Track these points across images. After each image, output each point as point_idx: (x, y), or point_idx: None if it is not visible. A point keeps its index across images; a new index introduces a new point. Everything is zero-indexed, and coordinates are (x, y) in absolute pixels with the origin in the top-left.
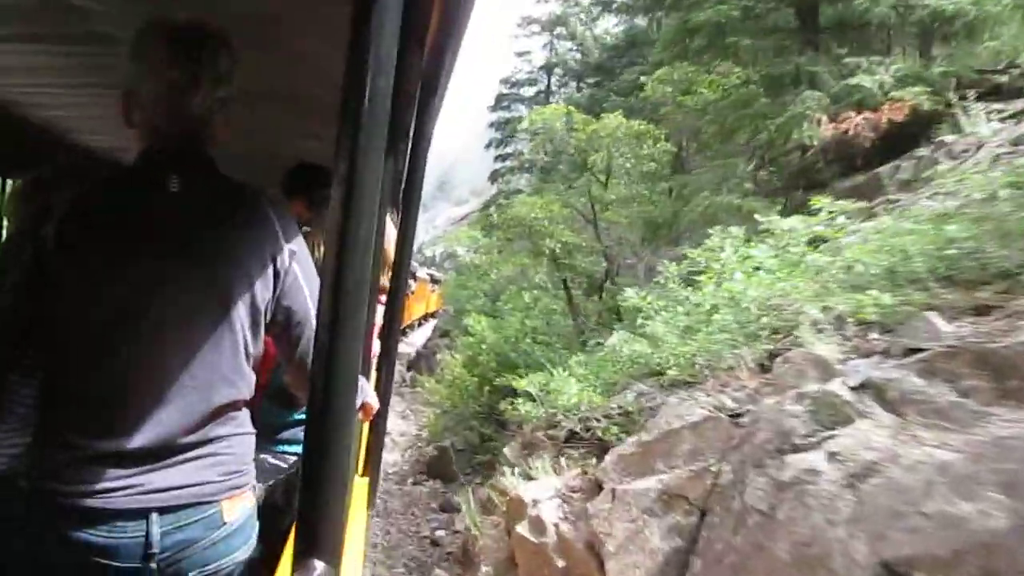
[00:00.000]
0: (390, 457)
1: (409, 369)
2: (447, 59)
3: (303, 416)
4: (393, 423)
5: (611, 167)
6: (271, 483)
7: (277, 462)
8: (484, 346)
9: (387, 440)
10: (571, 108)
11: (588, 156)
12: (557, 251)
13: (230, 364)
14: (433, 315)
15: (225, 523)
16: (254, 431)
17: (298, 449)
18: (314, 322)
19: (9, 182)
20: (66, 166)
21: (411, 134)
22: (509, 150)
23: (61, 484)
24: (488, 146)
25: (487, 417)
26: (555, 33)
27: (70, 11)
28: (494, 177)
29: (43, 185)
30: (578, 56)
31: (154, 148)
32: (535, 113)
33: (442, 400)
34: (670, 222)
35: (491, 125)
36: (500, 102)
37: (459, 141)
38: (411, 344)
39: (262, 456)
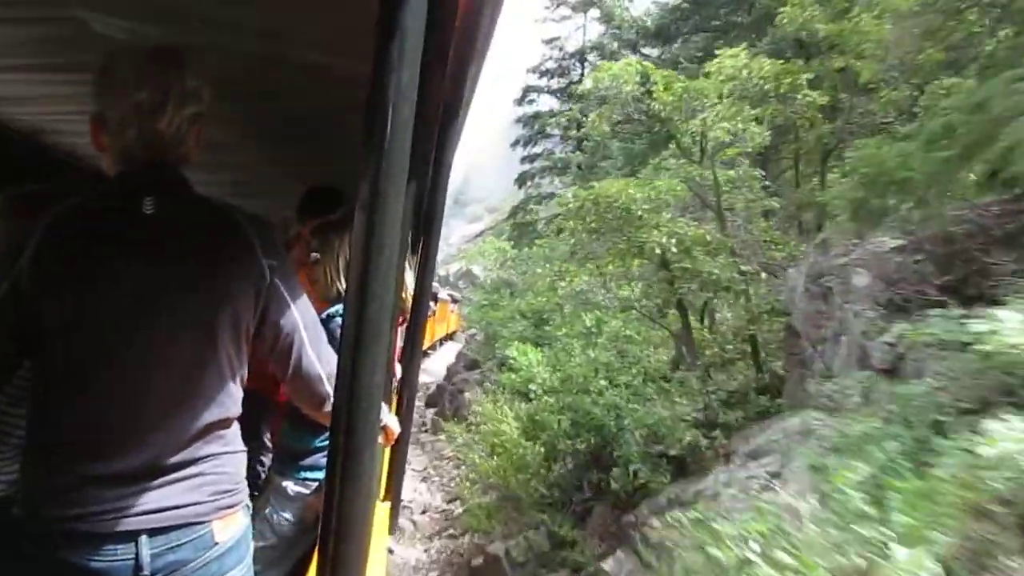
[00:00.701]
0: (409, 553)
1: (429, 406)
2: (468, 84)
3: (325, 442)
4: (410, 486)
5: (707, 140)
6: (296, 511)
7: (300, 489)
8: (548, 399)
9: (405, 520)
10: (647, 64)
11: (678, 124)
12: (670, 250)
13: (215, 384)
14: (452, 335)
15: (217, 543)
16: (244, 449)
17: (320, 475)
18: (304, 334)
19: None
20: (40, 189)
21: (432, 159)
22: (538, 150)
23: (51, 509)
24: (515, 144)
25: (562, 507)
26: (589, 15)
27: (103, 41)
28: (522, 180)
29: (19, 212)
30: (618, 31)
31: (127, 171)
32: (601, 70)
33: (488, 475)
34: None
35: (517, 121)
36: (526, 95)
37: (472, 156)
38: (431, 373)
39: (284, 483)
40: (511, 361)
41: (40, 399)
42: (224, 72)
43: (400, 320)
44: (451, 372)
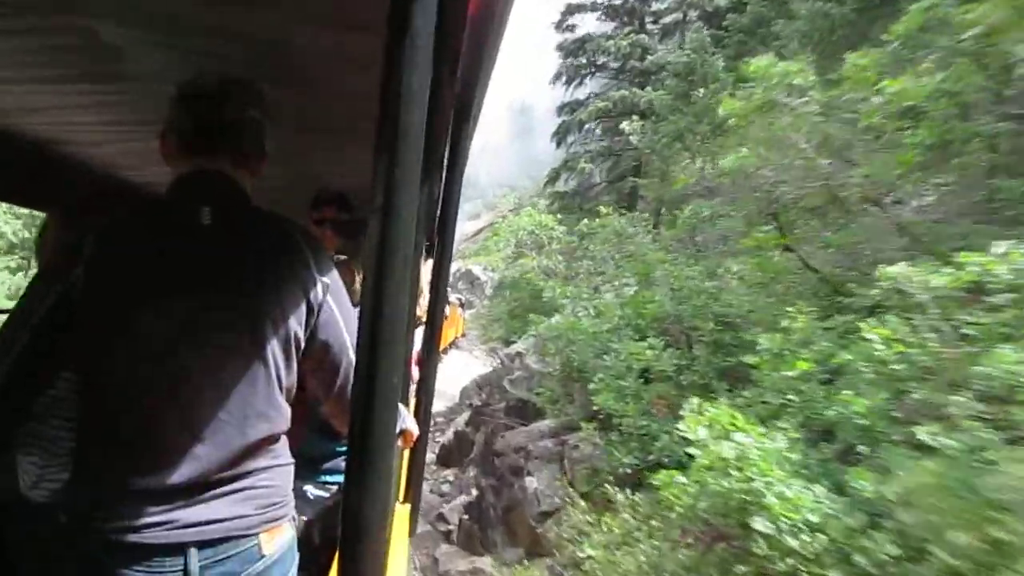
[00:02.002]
0: None
1: (441, 460)
2: (479, 87)
3: (345, 447)
4: None
5: None
6: (314, 514)
7: (320, 492)
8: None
9: None
10: None
11: None
12: None
13: (264, 398)
14: (455, 341)
15: (264, 556)
16: (292, 462)
17: (340, 479)
18: (352, 355)
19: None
20: (92, 197)
21: (445, 162)
22: (581, 96)
23: (100, 520)
24: (555, 79)
25: None
26: None
27: (114, 52)
28: (563, 133)
29: (71, 219)
30: None
31: (185, 178)
32: None
33: None
34: None
35: (558, 49)
36: (566, 19)
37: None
38: (445, 397)
39: (305, 487)
40: (660, 444)
41: (91, 411)
42: (236, 79)
43: (417, 322)
44: (478, 411)
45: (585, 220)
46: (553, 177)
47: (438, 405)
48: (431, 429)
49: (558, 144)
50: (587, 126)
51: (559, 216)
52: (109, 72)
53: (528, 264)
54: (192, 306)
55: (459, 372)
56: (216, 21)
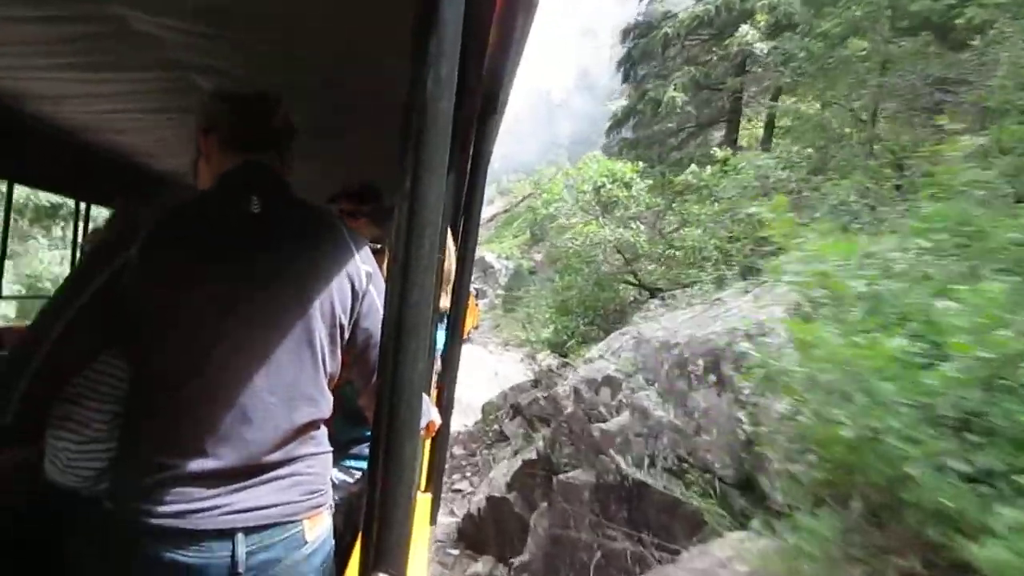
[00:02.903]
0: None
1: (463, 540)
2: (506, 79)
3: (368, 432)
4: None
5: None
6: (339, 499)
7: (344, 477)
8: None
9: None
10: None
11: None
12: None
13: (311, 383)
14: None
15: (307, 542)
16: (331, 450)
17: (364, 464)
18: None
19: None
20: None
21: (472, 152)
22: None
23: (148, 505)
24: None
25: None
26: None
27: (143, 39)
28: (632, 63)
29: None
30: None
31: (235, 171)
32: None
33: None
34: None
35: None
36: None
37: None
38: (460, 408)
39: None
40: None
41: (139, 394)
42: (264, 68)
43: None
44: (528, 471)
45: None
46: (618, 120)
47: (453, 422)
48: (447, 464)
49: (625, 77)
50: (669, 49)
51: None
52: (136, 61)
53: (595, 234)
54: (242, 292)
55: (473, 371)
56: (245, 10)
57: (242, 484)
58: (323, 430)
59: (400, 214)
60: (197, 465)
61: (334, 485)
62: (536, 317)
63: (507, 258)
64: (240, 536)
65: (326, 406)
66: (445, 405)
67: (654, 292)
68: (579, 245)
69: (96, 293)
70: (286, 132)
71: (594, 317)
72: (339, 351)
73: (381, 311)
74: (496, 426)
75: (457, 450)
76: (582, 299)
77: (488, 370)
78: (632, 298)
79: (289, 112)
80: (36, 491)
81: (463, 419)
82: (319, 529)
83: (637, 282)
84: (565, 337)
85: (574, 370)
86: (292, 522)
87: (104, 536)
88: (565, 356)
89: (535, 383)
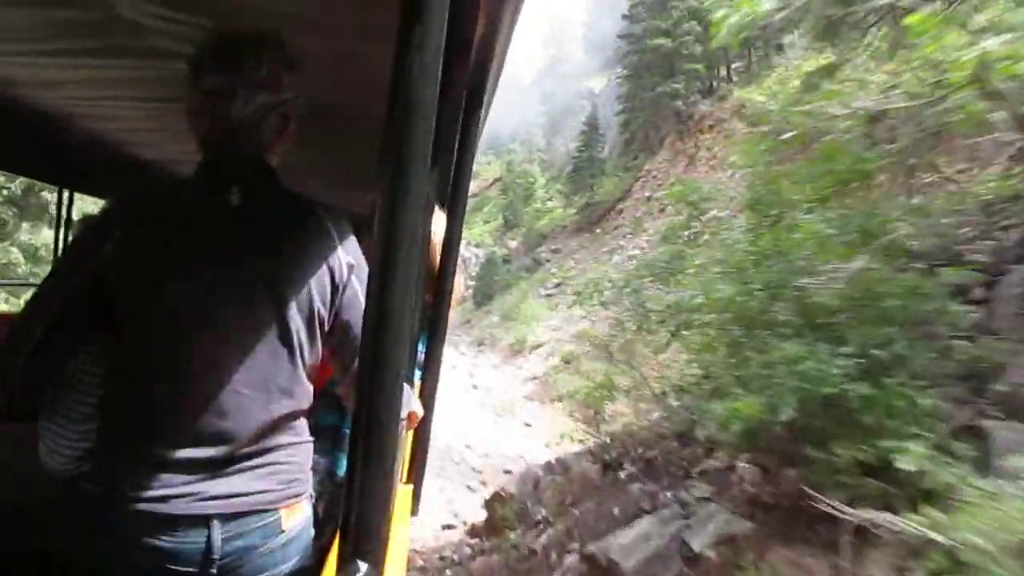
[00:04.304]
0: None
1: None
2: (492, 70)
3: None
4: None
5: None
6: (317, 483)
7: (324, 460)
8: None
9: None
10: None
11: None
12: None
13: (288, 375)
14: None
15: (283, 531)
16: (312, 439)
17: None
18: None
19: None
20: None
21: (456, 144)
22: None
23: (126, 489)
24: None
25: None
26: None
27: (129, 27)
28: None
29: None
30: None
31: (211, 159)
32: None
33: None
34: None
35: None
36: None
37: None
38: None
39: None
40: None
41: (119, 382)
42: None
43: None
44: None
45: None
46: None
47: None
48: None
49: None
50: None
51: None
52: (124, 49)
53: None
54: (219, 283)
55: (444, 376)
56: (233, 1)
57: (219, 472)
58: (303, 420)
59: (381, 205)
60: (174, 453)
61: (314, 469)
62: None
63: (478, 246)
64: (216, 523)
65: (304, 398)
66: (428, 396)
67: None
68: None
69: (77, 286)
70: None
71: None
72: (319, 343)
73: (363, 303)
74: (516, 538)
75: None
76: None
77: (461, 376)
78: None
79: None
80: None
81: (438, 474)
82: (297, 518)
83: None
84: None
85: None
86: (269, 510)
87: (81, 518)
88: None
89: (606, 468)
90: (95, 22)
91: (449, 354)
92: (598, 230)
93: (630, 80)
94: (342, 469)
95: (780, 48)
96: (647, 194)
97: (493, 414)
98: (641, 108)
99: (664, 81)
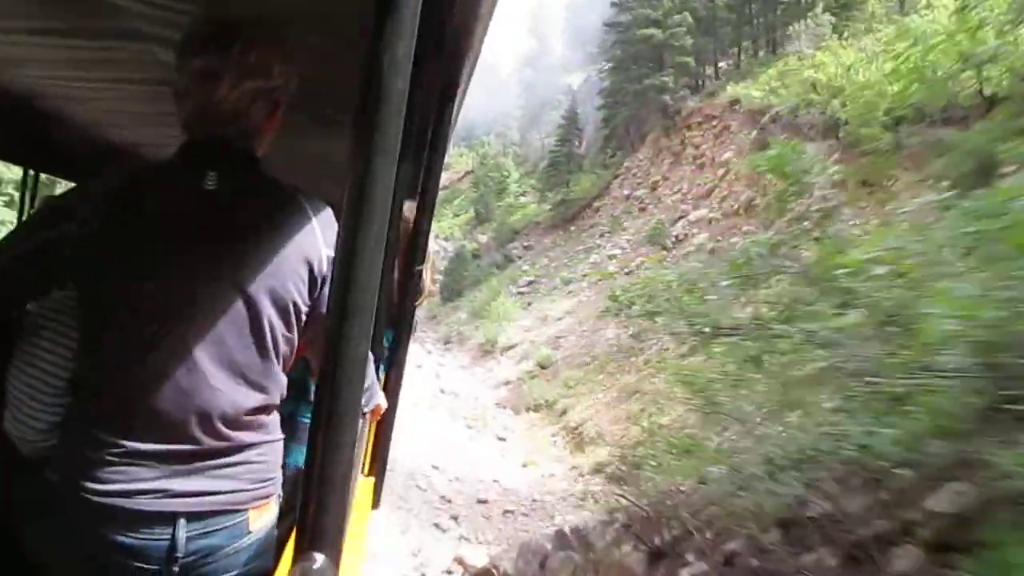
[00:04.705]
0: None
1: None
2: (467, 63)
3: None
4: None
5: None
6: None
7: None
8: None
9: None
10: None
11: None
12: None
13: (259, 368)
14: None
15: (250, 532)
16: (282, 437)
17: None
18: None
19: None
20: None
21: (428, 141)
22: None
23: (90, 481)
24: None
25: None
26: None
27: (102, 6)
28: None
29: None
30: None
31: (191, 142)
32: None
33: None
34: None
35: None
36: None
37: None
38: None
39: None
40: None
41: (86, 371)
42: None
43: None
44: None
45: None
46: None
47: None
48: None
49: None
50: None
51: None
52: (99, 28)
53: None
54: (189, 272)
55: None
56: None
57: (187, 468)
58: (274, 417)
59: (349, 195)
60: (141, 446)
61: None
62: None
63: (447, 239)
64: (182, 521)
65: (276, 392)
66: (392, 387)
67: None
68: None
69: (33, 249)
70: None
71: None
72: (294, 334)
73: None
74: None
75: None
76: None
77: (427, 377)
78: None
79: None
80: None
81: (399, 505)
82: (265, 519)
83: None
84: None
85: None
86: (237, 511)
87: (45, 508)
88: None
89: (657, 557)
90: (68, 1)
91: (414, 351)
92: (573, 228)
93: (615, 72)
94: (295, 459)
95: (771, 45)
96: (626, 192)
97: (463, 425)
98: (625, 102)
99: (653, 73)
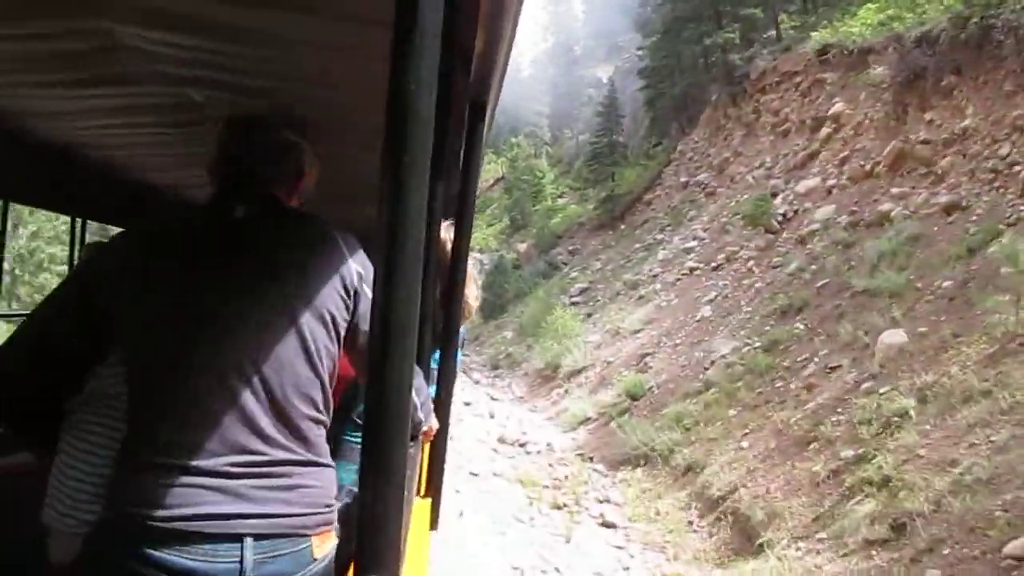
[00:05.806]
0: None
1: None
2: (494, 84)
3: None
4: None
5: None
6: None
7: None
8: None
9: None
10: None
11: None
12: None
13: (308, 383)
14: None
15: (315, 559)
16: (333, 464)
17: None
18: None
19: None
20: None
21: (461, 159)
22: None
23: (150, 508)
24: None
25: None
26: None
27: (133, 54)
28: None
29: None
30: None
31: (221, 188)
32: None
33: None
34: None
35: None
36: None
37: None
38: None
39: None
40: None
41: (136, 400)
42: (252, 85)
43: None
44: None
45: None
46: None
47: None
48: None
49: None
50: None
51: None
52: (128, 76)
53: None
54: (231, 295)
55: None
56: (236, 23)
57: (247, 486)
58: (324, 440)
59: (382, 219)
60: (197, 465)
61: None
62: None
63: (482, 251)
64: (249, 541)
65: (324, 404)
66: (443, 409)
67: None
68: None
69: (63, 303)
70: (280, 147)
71: None
72: (336, 346)
73: None
74: None
75: None
76: None
77: (479, 418)
78: None
79: (285, 130)
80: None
81: None
82: (327, 548)
83: None
84: None
85: None
86: (301, 535)
87: (102, 546)
88: None
89: None
90: (97, 50)
91: (460, 381)
92: (623, 226)
93: (663, 40)
94: (344, 478)
95: None
96: (683, 179)
97: (548, 503)
98: (671, 79)
99: (714, 31)
